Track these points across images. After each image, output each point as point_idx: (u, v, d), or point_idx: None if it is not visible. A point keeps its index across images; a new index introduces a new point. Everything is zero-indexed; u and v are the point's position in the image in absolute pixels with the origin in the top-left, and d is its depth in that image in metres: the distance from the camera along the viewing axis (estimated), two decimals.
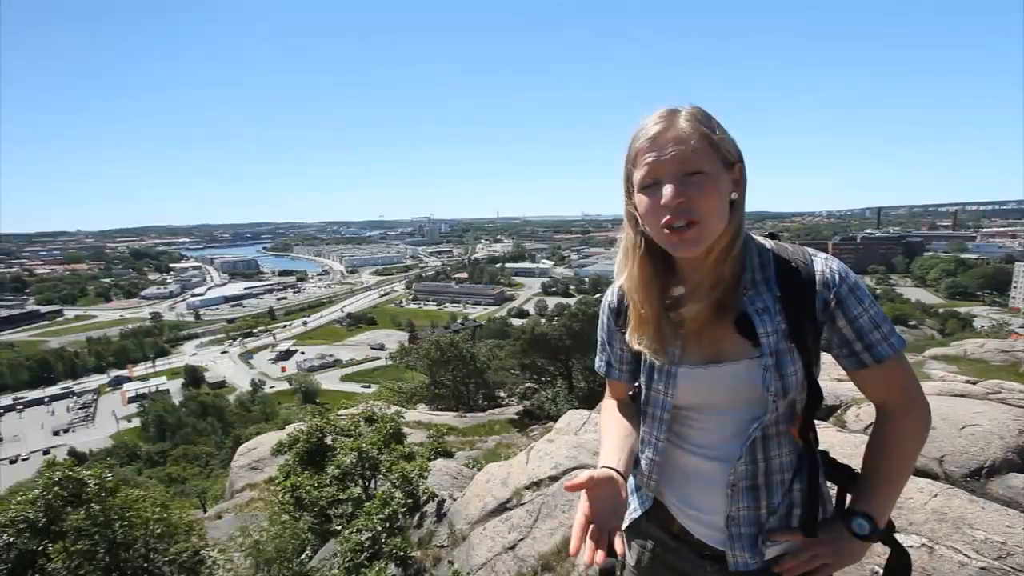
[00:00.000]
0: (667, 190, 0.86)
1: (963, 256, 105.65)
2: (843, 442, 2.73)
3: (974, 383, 3.90)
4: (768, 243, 1.01)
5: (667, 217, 0.87)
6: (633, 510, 1.18)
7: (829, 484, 1.09)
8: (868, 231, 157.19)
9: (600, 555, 0.85)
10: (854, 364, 0.96)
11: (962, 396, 3.40)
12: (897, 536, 1.02)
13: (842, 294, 0.92)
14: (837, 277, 0.93)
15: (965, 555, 1.95)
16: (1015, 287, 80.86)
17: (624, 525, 1.19)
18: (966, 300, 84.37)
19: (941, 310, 70.86)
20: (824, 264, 0.95)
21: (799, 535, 0.99)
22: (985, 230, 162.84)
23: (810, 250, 0.99)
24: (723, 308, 0.96)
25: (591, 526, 0.87)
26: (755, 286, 0.96)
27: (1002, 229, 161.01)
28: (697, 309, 0.95)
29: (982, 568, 1.89)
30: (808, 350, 0.94)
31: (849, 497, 1.03)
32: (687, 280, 0.99)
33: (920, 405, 0.97)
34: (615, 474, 0.96)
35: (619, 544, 0.87)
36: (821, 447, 1.05)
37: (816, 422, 1.04)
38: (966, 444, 2.56)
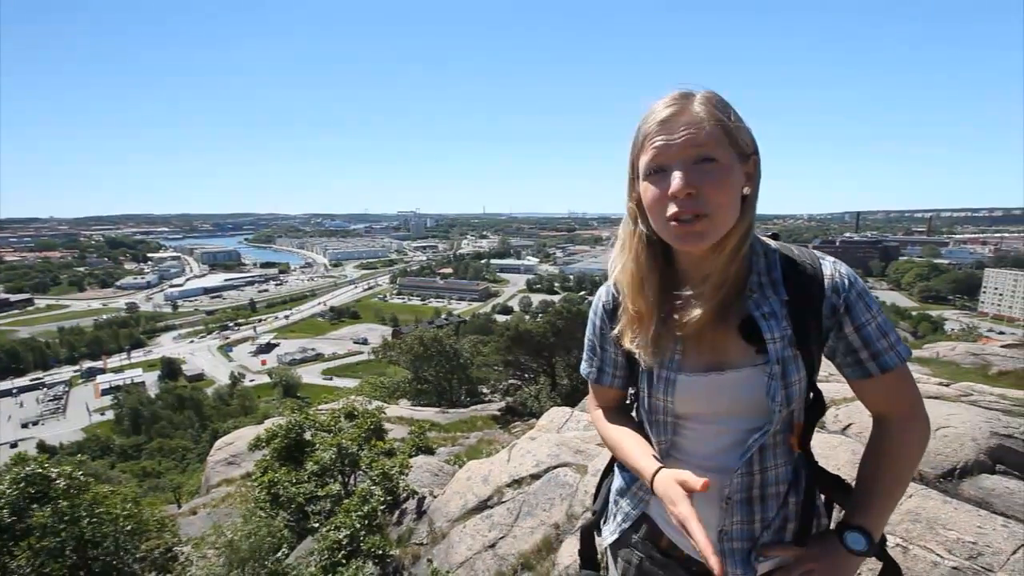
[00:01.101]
0: (676, 178, 0.79)
1: (936, 261, 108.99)
2: (822, 443, 2.76)
3: (947, 385, 3.99)
4: (772, 244, 0.96)
5: (674, 209, 0.81)
6: (620, 522, 1.12)
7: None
8: (847, 235, 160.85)
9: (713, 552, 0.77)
10: (858, 373, 0.91)
11: (936, 398, 3.47)
12: None
13: (851, 299, 0.88)
14: (847, 281, 0.89)
15: (938, 555, 1.98)
16: (984, 292, 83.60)
17: (611, 539, 1.14)
18: (938, 304, 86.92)
19: (914, 313, 72.85)
20: (833, 268, 0.91)
21: (793, 550, 0.95)
22: (958, 236, 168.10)
23: (817, 252, 0.94)
24: (726, 311, 0.90)
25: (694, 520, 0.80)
26: (761, 289, 0.90)
27: (974, 236, 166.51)
28: (700, 312, 0.89)
29: (954, 568, 1.93)
30: (812, 357, 0.90)
31: (838, 510, 1.00)
32: (689, 278, 0.92)
33: (921, 418, 0.93)
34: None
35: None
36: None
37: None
38: (940, 445, 2.60)
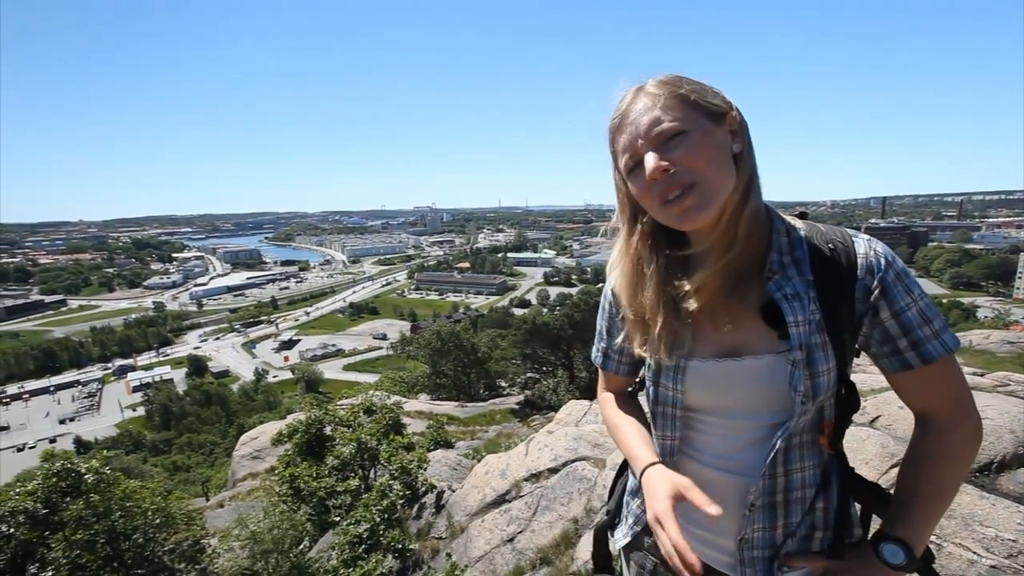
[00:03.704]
0: (648, 161, 0.75)
1: (968, 246, 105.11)
2: (848, 436, 2.63)
3: (981, 375, 3.83)
4: (798, 223, 0.87)
5: (659, 191, 0.76)
6: (632, 524, 1.05)
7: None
8: (873, 221, 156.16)
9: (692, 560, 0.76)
10: (896, 365, 0.81)
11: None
12: None
13: (888, 281, 0.78)
14: (883, 261, 0.79)
15: (975, 553, 1.90)
16: (1020, 277, 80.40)
17: (623, 542, 1.08)
18: (970, 290, 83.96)
19: (945, 300, 70.47)
20: (867, 246, 0.81)
21: (821, 561, 0.86)
22: (991, 220, 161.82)
23: (850, 230, 0.85)
24: (742, 290, 0.82)
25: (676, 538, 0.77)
26: (783, 269, 0.81)
27: (1008, 219, 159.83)
28: (705, 275, 0.81)
29: (992, 566, 1.84)
30: (844, 346, 0.80)
31: (874, 519, 0.92)
32: (698, 254, 0.86)
33: (972, 417, 0.82)
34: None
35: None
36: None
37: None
38: None
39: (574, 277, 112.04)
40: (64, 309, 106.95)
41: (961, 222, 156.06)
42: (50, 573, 3.97)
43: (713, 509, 0.74)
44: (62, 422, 54.62)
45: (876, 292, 0.79)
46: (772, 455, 0.82)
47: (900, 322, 0.79)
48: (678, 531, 0.76)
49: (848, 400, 0.86)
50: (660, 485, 0.82)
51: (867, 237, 0.83)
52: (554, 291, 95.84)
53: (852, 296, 0.80)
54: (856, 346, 0.85)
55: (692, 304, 0.84)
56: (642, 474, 0.90)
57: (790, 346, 0.79)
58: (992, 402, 2.85)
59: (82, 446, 37.65)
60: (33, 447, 46.00)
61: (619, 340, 1.02)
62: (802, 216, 0.91)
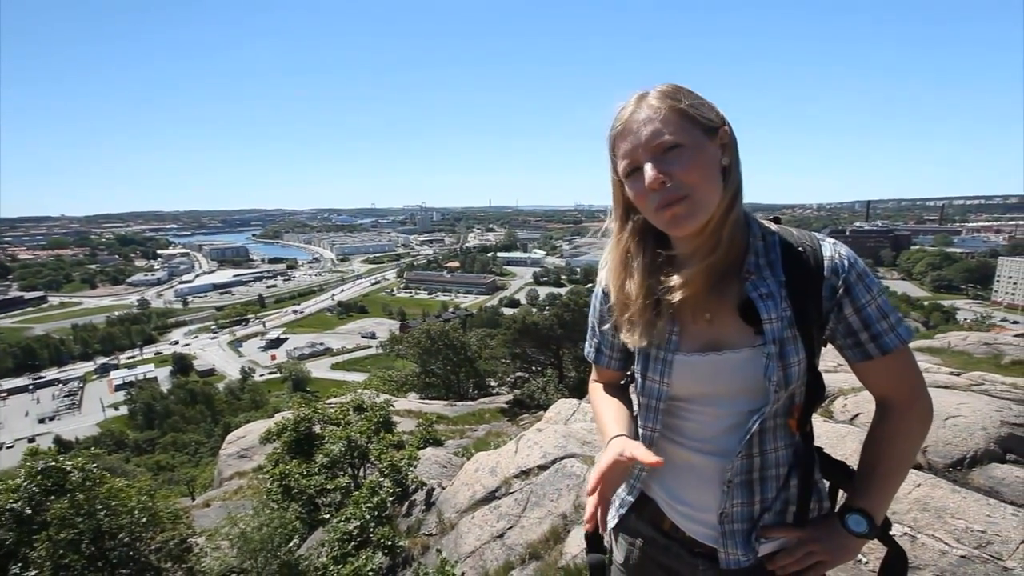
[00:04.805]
0: (647, 172, 0.83)
1: (948, 250, 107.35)
2: (829, 432, 2.75)
3: (958, 375, 3.95)
4: (772, 227, 0.97)
5: (656, 200, 0.84)
6: (620, 505, 1.13)
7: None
8: (857, 224, 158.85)
9: (599, 523, 0.91)
10: (858, 355, 0.91)
11: (946, 387, 3.44)
12: None
13: (851, 281, 0.88)
14: (846, 263, 0.89)
15: (946, 544, 1.98)
16: (998, 281, 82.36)
17: (612, 523, 1.16)
18: (950, 293, 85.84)
19: (926, 303, 71.98)
20: (833, 249, 0.91)
21: (794, 532, 0.96)
22: (971, 224, 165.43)
23: (818, 235, 0.94)
24: (722, 289, 0.91)
25: (598, 494, 0.90)
26: (759, 270, 0.91)
27: (987, 224, 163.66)
28: (690, 273, 0.89)
29: (962, 556, 1.92)
30: (812, 339, 0.90)
31: (844, 493, 1.01)
32: (682, 256, 0.94)
33: (923, 400, 0.94)
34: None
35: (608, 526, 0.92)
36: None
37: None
38: (949, 435, 2.59)
39: (563, 277, 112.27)
40: (45, 306, 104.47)
41: (942, 226, 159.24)
42: (33, 573, 3.91)
43: (652, 459, 0.83)
44: (41, 421, 53.42)
45: (840, 291, 0.89)
46: (748, 437, 0.91)
47: (861, 317, 0.89)
48: (597, 482, 0.89)
49: (815, 387, 0.95)
50: (611, 450, 0.93)
51: (832, 241, 0.93)
52: (543, 291, 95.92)
53: (819, 294, 0.90)
54: (823, 339, 0.95)
55: (675, 297, 0.92)
56: (607, 444, 0.99)
57: (765, 341, 0.88)
58: (966, 400, 2.95)
59: (62, 446, 36.88)
60: (11, 447, 44.92)
61: (608, 333, 1.10)
62: (775, 220, 1.00)
